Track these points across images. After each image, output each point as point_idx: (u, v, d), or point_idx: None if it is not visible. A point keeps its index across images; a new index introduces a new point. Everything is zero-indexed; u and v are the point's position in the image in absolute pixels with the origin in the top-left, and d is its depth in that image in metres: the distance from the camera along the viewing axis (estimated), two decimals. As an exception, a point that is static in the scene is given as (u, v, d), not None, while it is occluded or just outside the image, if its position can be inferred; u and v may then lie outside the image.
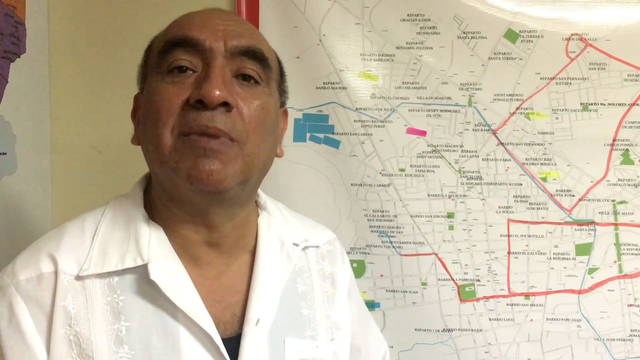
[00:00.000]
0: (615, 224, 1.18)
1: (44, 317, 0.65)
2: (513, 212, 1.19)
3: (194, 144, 0.65)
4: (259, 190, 0.82)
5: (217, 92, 0.65)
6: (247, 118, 0.68)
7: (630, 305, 1.18)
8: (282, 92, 0.79)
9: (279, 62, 0.79)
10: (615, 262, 1.18)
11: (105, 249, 0.69)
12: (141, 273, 0.68)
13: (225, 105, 0.66)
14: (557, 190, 1.18)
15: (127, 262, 0.68)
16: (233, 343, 0.70)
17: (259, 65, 0.70)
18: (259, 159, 0.71)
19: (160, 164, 0.68)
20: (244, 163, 0.68)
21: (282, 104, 0.79)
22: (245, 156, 0.68)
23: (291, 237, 0.81)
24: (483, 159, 1.19)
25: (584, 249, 1.18)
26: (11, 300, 0.65)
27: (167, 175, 0.69)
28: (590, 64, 1.16)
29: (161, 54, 0.69)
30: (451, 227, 1.19)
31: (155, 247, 0.69)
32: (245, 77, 0.70)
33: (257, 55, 0.70)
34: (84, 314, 0.66)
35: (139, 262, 0.68)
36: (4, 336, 0.64)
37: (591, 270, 1.18)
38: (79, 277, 0.67)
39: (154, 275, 0.67)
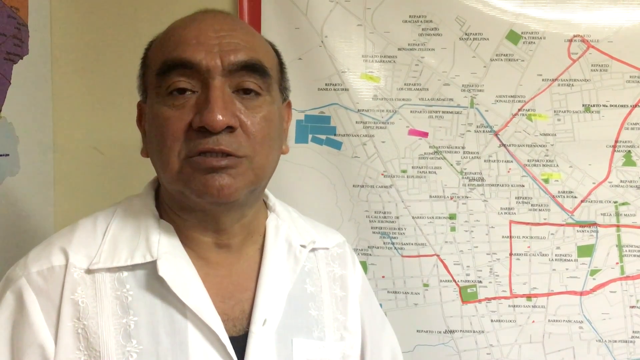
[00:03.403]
0: (618, 226, 1.17)
1: (54, 309, 0.66)
2: (515, 213, 1.19)
3: (202, 163, 0.66)
4: (269, 193, 0.83)
5: (220, 118, 0.65)
6: (252, 134, 0.69)
7: (633, 306, 1.17)
8: (284, 89, 0.78)
9: (278, 57, 0.78)
10: (617, 263, 1.17)
11: (115, 244, 0.71)
12: (150, 269, 0.69)
13: (229, 127, 0.66)
14: (559, 192, 1.18)
15: (136, 258, 0.69)
16: (241, 341, 0.70)
17: (258, 77, 0.70)
18: (269, 168, 0.73)
19: (169, 182, 0.70)
20: (254, 175, 0.70)
21: (285, 99, 0.79)
22: (255, 169, 0.70)
23: (299, 239, 0.81)
24: (485, 161, 1.19)
25: (586, 251, 1.18)
26: (22, 291, 0.67)
27: (176, 190, 0.70)
28: (592, 65, 1.16)
29: (159, 75, 0.69)
30: (453, 229, 1.19)
31: (164, 245, 0.71)
32: (246, 91, 0.70)
33: (256, 68, 0.70)
34: (93, 308, 0.67)
35: (148, 259, 0.69)
36: (13, 326, 0.66)
37: (593, 272, 1.18)
38: (89, 271, 0.68)
39: (162, 272, 0.68)
